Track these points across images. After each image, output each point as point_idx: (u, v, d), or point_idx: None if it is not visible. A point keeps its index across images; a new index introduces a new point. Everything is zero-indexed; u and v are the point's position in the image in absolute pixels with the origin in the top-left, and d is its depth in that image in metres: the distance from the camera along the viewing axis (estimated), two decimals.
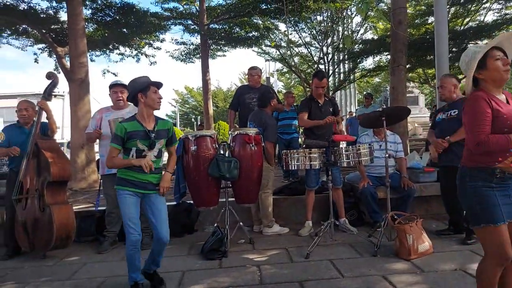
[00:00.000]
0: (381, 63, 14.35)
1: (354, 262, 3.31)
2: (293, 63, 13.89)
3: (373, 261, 3.31)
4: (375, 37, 13.81)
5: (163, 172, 2.85)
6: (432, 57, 11.01)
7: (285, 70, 20.69)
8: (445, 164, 3.83)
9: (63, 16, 10.63)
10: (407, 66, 9.05)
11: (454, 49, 11.13)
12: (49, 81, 3.79)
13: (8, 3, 9.77)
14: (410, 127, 14.50)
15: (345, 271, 3.09)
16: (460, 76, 5.63)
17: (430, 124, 4.50)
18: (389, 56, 8.76)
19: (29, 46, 11.83)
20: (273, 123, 4.32)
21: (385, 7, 12.10)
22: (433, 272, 3.03)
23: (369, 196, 4.16)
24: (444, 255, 3.40)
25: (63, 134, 20.85)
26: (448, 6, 6.75)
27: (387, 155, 3.79)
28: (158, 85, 2.79)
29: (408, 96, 12.45)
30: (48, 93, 3.74)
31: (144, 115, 2.78)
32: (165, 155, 2.95)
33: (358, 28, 13.07)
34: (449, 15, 11.04)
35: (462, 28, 12.19)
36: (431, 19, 12.28)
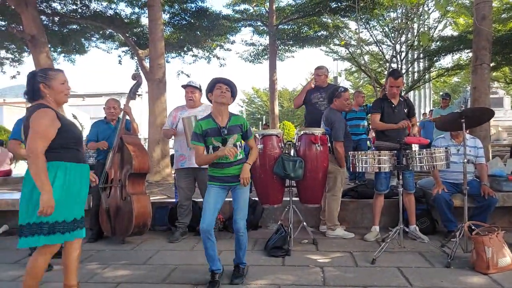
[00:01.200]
0: (461, 61, 13.33)
1: (424, 272, 3.14)
2: (362, 62, 13.47)
3: (446, 273, 3.12)
4: (455, 34, 12.86)
5: (244, 164, 2.97)
6: None
7: (353, 69, 20.14)
8: None
9: (144, 21, 11.48)
10: (491, 65, 8.30)
11: None
12: (134, 81, 4.14)
13: (98, 10, 10.81)
14: (493, 131, 13.28)
15: (414, 280, 2.95)
16: None
17: None
18: (470, 54, 8.12)
19: (114, 49, 12.94)
20: (339, 120, 4.12)
21: (467, 1, 11.22)
22: None
23: (443, 203, 3.91)
24: None
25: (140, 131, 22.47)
26: None
27: (465, 160, 3.53)
28: (220, 80, 2.94)
29: (492, 97, 11.38)
30: (133, 92, 4.08)
31: (216, 113, 2.95)
32: None
33: (436, 24, 12.31)
34: None
35: None
36: None
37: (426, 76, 14.49)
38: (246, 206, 2.99)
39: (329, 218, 4.23)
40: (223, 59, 14.11)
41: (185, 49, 13.17)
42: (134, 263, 3.53)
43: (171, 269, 3.33)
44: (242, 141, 3.01)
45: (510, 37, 10.39)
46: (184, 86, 4.29)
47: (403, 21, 11.82)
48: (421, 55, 13.21)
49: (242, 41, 18.05)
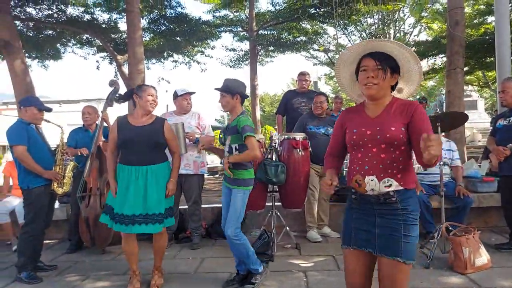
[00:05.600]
0: (436, 66, 13.71)
1: None
2: None
3: (426, 274, 3.19)
4: (429, 39, 13.24)
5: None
6: (492, 59, 10.33)
7: (333, 74, 20.44)
8: (507, 174, 3.60)
9: (122, 26, 11.35)
10: (465, 69, 8.57)
11: None
12: (111, 88, 4.07)
13: (74, 15, 10.61)
14: (468, 133, 13.66)
15: None
16: None
17: (490, 131, 4.24)
18: (444, 58, 8.36)
19: (92, 54, 12.72)
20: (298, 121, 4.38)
21: (440, 8, 11.57)
22: None
23: (422, 205, 3.99)
24: (503, 270, 3.19)
25: None
26: (510, 5, 6.31)
27: (441, 163, 3.63)
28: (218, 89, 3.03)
29: (466, 100, 11.73)
30: (111, 99, 4.02)
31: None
32: None
33: (411, 30, 12.63)
34: (511, 14, 10.31)
35: None
36: (491, 19, 11.54)
37: None
38: (236, 212, 2.92)
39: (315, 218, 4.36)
40: (204, 64, 14.09)
41: (165, 54, 13.08)
42: (115, 273, 3.46)
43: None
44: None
45: (482, 42, 10.76)
46: (181, 94, 4.26)
47: (380, 26, 12.10)
48: None
49: (222, 46, 18.08)
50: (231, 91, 2.97)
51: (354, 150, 1.83)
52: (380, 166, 1.72)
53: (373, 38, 12.22)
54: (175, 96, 4.29)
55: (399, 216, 1.72)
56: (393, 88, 1.86)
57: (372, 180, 1.72)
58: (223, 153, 3.11)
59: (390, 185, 1.71)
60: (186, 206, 4.32)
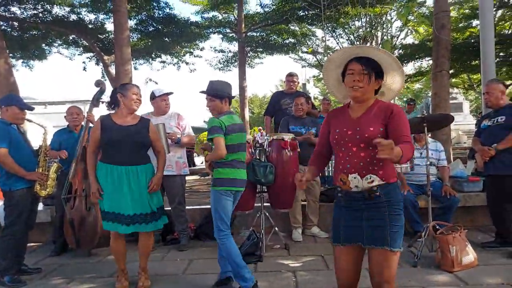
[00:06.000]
0: (422, 68, 13.91)
1: None
2: None
3: (413, 272, 3.21)
4: (416, 42, 13.42)
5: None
6: (477, 62, 10.53)
7: (321, 76, 20.59)
8: (492, 173, 3.66)
9: (109, 27, 11.23)
10: (451, 72, 8.70)
11: (501, 54, 10.58)
12: (97, 88, 4.01)
13: (60, 15, 10.46)
14: (454, 135, 13.86)
15: None
16: (508, 82, 5.35)
17: (475, 132, 4.31)
18: (430, 61, 8.48)
19: (78, 55, 12.56)
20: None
21: (427, 11, 11.75)
22: (478, 285, 2.89)
23: (409, 205, 4.02)
24: (490, 268, 3.23)
25: None
26: (494, 9, 6.45)
27: (428, 163, 3.67)
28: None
29: (452, 102, 11.92)
30: (96, 100, 3.95)
31: None
32: None
33: (398, 33, 12.79)
34: (496, 18, 10.51)
35: (510, 31, 11.56)
36: (475, 23, 11.75)
37: None
38: (213, 212, 2.90)
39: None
40: (193, 64, 14.03)
41: (153, 55, 12.99)
42: (101, 276, 3.40)
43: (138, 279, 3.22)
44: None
45: (467, 45, 10.95)
46: (160, 95, 4.19)
47: (368, 29, 12.23)
48: None
49: (211, 48, 18.03)
50: (220, 96, 2.93)
51: (336, 150, 1.95)
52: (361, 164, 1.84)
53: (361, 40, 12.36)
54: (153, 97, 4.22)
55: (384, 208, 1.83)
56: (376, 92, 1.96)
57: (355, 178, 1.84)
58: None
59: (373, 181, 1.82)
60: (170, 208, 4.27)
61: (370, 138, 1.79)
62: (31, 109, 3.55)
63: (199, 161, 14.03)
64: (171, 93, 4.28)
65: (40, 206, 4.11)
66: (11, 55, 10.61)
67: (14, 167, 3.22)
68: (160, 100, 4.19)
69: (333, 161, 3.64)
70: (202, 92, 2.99)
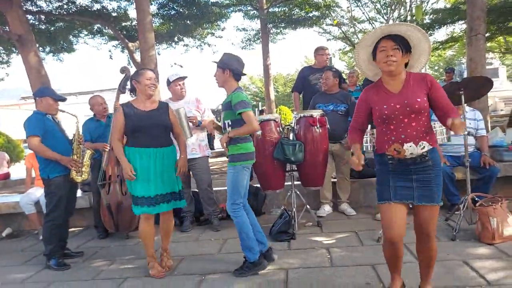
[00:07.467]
0: (455, 34, 13.19)
1: None
2: (356, 41, 13.35)
3: (452, 246, 3.12)
4: (448, 5, 12.69)
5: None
6: None
7: (347, 48, 19.97)
8: None
9: (132, 13, 11.30)
10: (486, 35, 8.20)
11: None
12: (122, 75, 4.05)
13: (84, 5, 10.61)
14: (490, 102, 13.23)
15: None
16: None
17: None
18: (464, 26, 8.01)
19: (104, 44, 12.77)
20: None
21: None
22: None
23: (445, 177, 3.87)
24: None
25: None
26: None
27: (466, 133, 3.49)
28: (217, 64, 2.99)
29: (487, 68, 11.31)
30: (123, 86, 4.00)
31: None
32: None
33: None
34: None
35: None
36: None
37: None
38: (231, 187, 2.92)
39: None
40: (215, 45, 13.99)
41: (175, 39, 13.01)
42: (140, 257, 3.52)
43: (178, 261, 3.32)
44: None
45: (503, 5, 10.25)
46: (174, 80, 4.20)
47: None
48: None
49: (233, 27, 17.84)
50: (221, 65, 2.93)
51: (385, 123, 2.11)
52: (414, 133, 2.05)
53: (388, 8, 11.82)
54: (168, 83, 4.24)
55: (430, 169, 2.09)
56: (405, 65, 2.15)
57: (410, 146, 2.03)
58: (221, 130, 3.16)
59: (424, 147, 2.05)
60: (197, 190, 4.33)
61: (420, 108, 2.02)
62: (64, 99, 3.65)
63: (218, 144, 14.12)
64: (185, 77, 4.26)
65: (79, 193, 4.27)
66: (41, 48, 10.93)
67: (48, 153, 3.34)
68: (175, 85, 4.20)
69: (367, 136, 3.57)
70: (213, 61, 3.01)
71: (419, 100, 2.03)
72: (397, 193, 2.11)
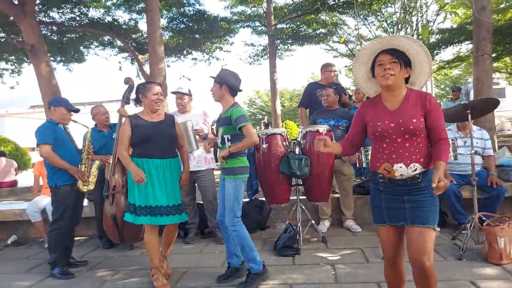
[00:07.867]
0: (461, 53, 13.24)
1: (436, 265, 3.04)
2: None
3: (459, 265, 3.09)
4: (454, 26, 12.78)
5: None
6: None
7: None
8: None
9: (142, 26, 11.52)
10: (493, 55, 8.23)
11: None
12: (126, 86, 4.09)
13: (95, 18, 10.83)
14: (497, 122, 13.18)
15: None
16: None
17: None
18: (470, 45, 8.06)
19: (114, 55, 12.97)
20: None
21: None
22: None
23: (452, 196, 3.86)
24: None
25: None
26: None
27: (473, 151, 3.49)
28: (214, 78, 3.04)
29: (494, 88, 11.28)
30: (127, 97, 4.04)
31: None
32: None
33: (435, 17, 12.23)
34: None
35: None
36: None
37: None
38: (230, 201, 2.93)
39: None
40: (223, 59, 14.19)
41: (184, 52, 13.19)
42: (144, 268, 3.51)
43: (182, 273, 3.32)
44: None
45: (510, 26, 10.31)
46: (173, 93, 4.31)
47: (401, 15, 11.78)
48: None
49: (242, 42, 18.11)
50: (219, 80, 2.97)
51: (378, 141, 2.05)
52: (406, 154, 1.96)
53: (394, 27, 11.93)
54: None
55: (424, 191, 1.98)
56: (406, 81, 2.05)
57: (400, 167, 1.96)
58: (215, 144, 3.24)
59: (416, 169, 1.95)
60: (201, 202, 4.35)
61: (415, 129, 1.93)
62: (78, 110, 3.70)
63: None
64: (184, 93, 4.27)
65: (85, 202, 4.28)
66: (52, 58, 11.13)
67: (58, 161, 3.38)
68: (175, 98, 4.29)
69: (368, 152, 3.57)
70: (210, 76, 3.07)
71: (414, 121, 1.94)
72: (390, 216, 2.05)
